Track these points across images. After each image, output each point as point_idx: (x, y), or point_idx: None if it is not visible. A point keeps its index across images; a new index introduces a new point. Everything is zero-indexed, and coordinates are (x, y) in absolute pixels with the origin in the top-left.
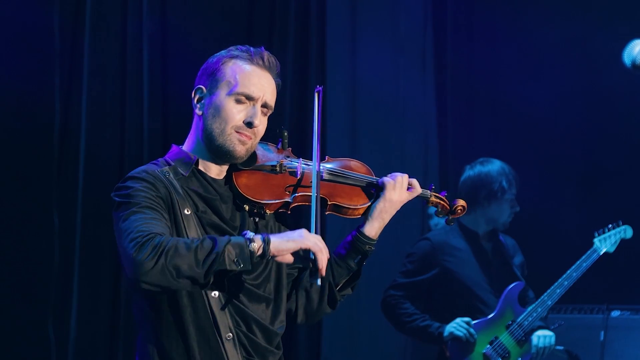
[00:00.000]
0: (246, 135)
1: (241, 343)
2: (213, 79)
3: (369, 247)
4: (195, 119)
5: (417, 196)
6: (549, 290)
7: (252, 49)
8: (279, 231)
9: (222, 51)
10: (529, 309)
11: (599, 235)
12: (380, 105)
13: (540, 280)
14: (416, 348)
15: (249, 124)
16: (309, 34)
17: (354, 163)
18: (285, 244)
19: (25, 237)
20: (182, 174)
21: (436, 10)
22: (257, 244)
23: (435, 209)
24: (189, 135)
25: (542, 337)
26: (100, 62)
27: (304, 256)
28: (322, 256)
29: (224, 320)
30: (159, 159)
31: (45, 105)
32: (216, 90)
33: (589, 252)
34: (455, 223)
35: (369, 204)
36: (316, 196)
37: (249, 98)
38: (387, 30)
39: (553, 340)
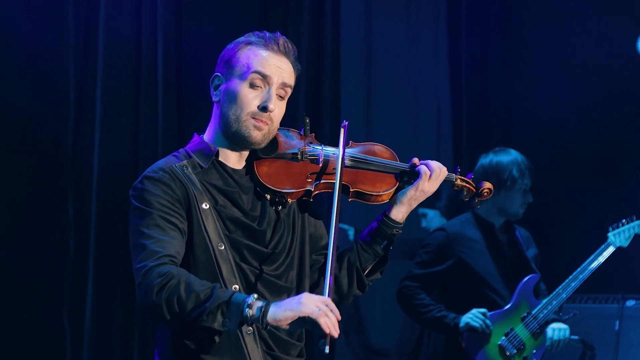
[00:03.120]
0: (262, 121)
1: (262, 337)
2: (229, 65)
3: (396, 231)
4: (214, 107)
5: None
6: (563, 284)
7: (267, 34)
8: (303, 222)
9: (240, 37)
10: (544, 301)
11: (613, 229)
12: (394, 89)
13: (555, 273)
14: (430, 338)
15: (264, 109)
16: (323, 24)
17: (378, 147)
18: (282, 313)
19: (40, 228)
20: (202, 167)
21: (450, 0)
22: (251, 312)
23: (461, 193)
24: (209, 124)
25: (557, 329)
26: (115, 52)
27: (309, 322)
28: (326, 320)
29: None
30: (180, 150)
31: (60, 99)
32: (231, 76)
33: (603, 246)
34: (478, 207)
35: (393, 189)
36: (337, 210)
37: (264, 77)
38: (401, 14)
39: (567, 333)
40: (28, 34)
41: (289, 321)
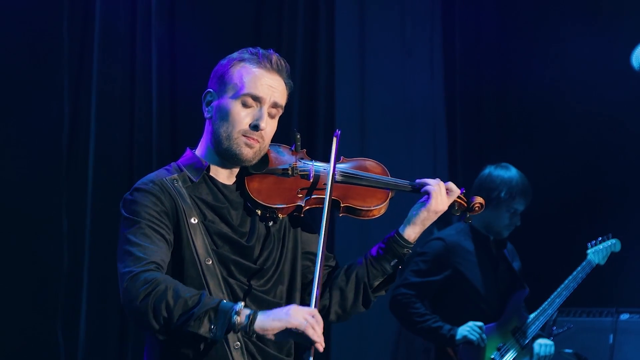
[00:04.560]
0: (253, 139)
1: (249, 352)
2: (221, 82)
3: (407, 250)
4: (206, 123)
5: None
6: (549, 300)
7: (260, 51)
8: (295, 237)
9: (234, 53)
10: (532, 316)
11: (592, 246)
12: (389, 108)
13: (537, 287)
14: (425, 348)
15: (255, 127)
16: (317, 37)
17: (370, 163)
18: (270, 323)
19: (34, 241)
20: (192, 181)
21: (445, 13)
22: (240, 319)
23: (452, 207)
24: (201, 138)
25: (544, 345)
26: (109, 67)
27: (295, 333)
28: (313, 332)
29: None
30: (172, 164)
31: (54, 110)
32: (224, 93)
33: (583, 263)
34: (470, 222)
35: (384, 204)
36: (325, 230)
37: (255, 98)
38: (395, 32)
39: (553, 349)
40: (21, 44)
41: (276, 331)
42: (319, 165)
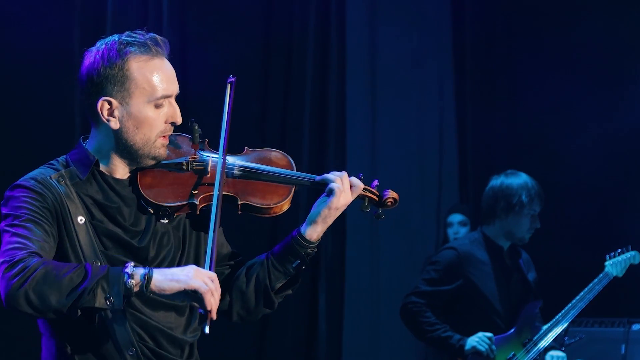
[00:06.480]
0: (166, 137)
1: (146, 357)
2: (121, 88)
3: (311, 250)
4: (104, 131)
5: None
6: (563, 311)
7: (140, 37)
8: (198, 236)
9: (111, 53)
10: (545, 328)
11: (610, 258)
12: (400, 112)
13: (553, 298)
14: (435, 356)
15: (174, 124)
16: (329, 44)
17: (275, 155)
18: (168, 283)
19: None
20: (80, 178)
21: (456, 16)
22: (135, 281)
23: (361, 202)
24: (91, 137)
25: (555, 357)
26: None
27: (192, 296)
28: (211, 298)
29: (124, 334)
30: (60, 158)
31: (64, 120)
32: (130, 99)
33: (600, 275)
34: (384, 216)
35: (285, 200)
36: (216, 216)
37: (168, 97)
38: (406, 42)
39: None
40: (32, 51)
41: (174, 292)
42: (216, 157)
